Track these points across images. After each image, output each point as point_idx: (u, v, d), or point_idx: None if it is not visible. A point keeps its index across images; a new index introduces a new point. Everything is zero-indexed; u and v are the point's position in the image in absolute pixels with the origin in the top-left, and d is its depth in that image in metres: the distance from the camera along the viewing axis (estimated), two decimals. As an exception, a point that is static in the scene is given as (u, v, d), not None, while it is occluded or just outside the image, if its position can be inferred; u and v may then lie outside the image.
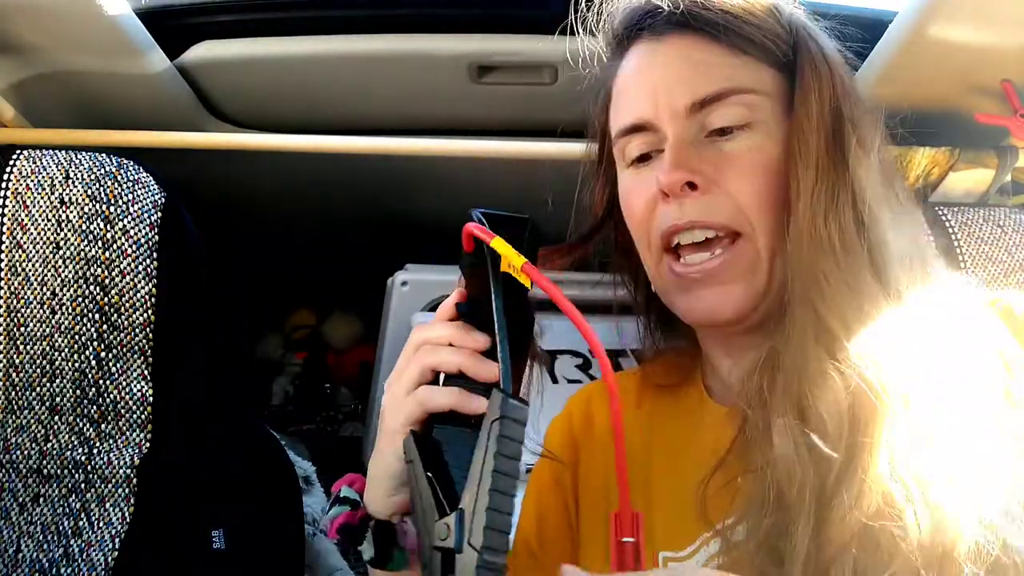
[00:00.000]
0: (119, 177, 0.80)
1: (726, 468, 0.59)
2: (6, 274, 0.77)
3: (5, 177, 0.78)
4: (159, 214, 0.80)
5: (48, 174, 0.79)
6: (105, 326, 0.78)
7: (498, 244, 0.53)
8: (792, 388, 0.55)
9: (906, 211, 0.64)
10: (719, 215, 0.62)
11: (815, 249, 0.58)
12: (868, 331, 0.55)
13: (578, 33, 0.74)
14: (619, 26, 0.69)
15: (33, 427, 0.78)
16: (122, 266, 0.78)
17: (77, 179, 0.79)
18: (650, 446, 0.71)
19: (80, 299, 0.77)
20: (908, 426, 0.51)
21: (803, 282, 0.58)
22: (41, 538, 0.76)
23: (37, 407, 0.78)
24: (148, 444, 0.79)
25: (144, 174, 0.81)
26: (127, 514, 0.78)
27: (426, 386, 0.56)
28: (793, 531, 0.51)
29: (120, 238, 0.78)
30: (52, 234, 0.77)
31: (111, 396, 0.78)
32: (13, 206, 0.78)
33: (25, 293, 0.77)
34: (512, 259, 0.53)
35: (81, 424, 0.78)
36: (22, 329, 0.77)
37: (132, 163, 0.81)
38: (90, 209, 0.78)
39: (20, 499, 0.77)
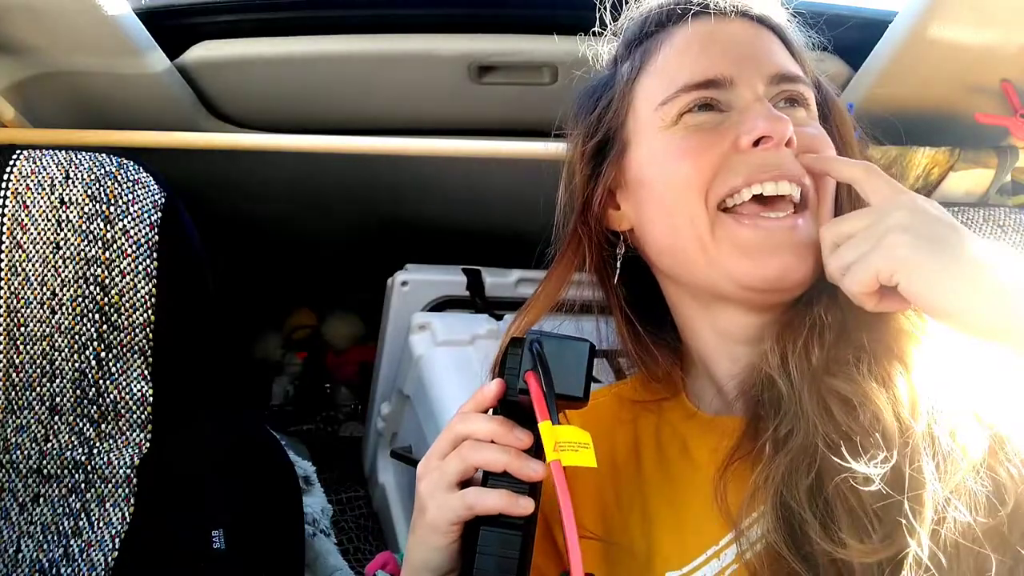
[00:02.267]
0: (119, 177, 0.80)
1: (735, 472, 0.58)
2: (6, 274, 0.77)
3: (5, 177, 0.78)
4: (159, 214, 0.80)
5: (48, 174, 0.79)
6: (105, 326, 0.78)
7: (545, 429, 0.53)
8: (843, 356, 0.55)
9: None
10: (804, 174, 0.61)
11: None
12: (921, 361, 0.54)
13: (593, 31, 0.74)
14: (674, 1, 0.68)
15: (33, 427, 0.78)
16: (122, 266, 0.78)
17: (77, 179, 0.79)
18: (640, 463, 0.69)
19: (80, 299, 0.77)
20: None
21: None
22: (41, 538, 0.76)
23: (37, 407, 0.78)
24: (148, 444, 0.79)
25: (144, 174, 0.81)
26: (127, 514, 0.78)
27: (476, 489, 0.56)
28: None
29: (120, 238, 0.78)
30: (52, 234, 0.77)
31: (111, 396, 0.78)
32: (13, 206, 0.78)
33: (25, 293, 0.77)
34: (547, 451, 0.52)
35: (81, 424, 0.78)
36: (22, 329, 0.77)
37: (132, 163, 0.81)
38: (90, 209, 0.78)
39: (20, 499, 0.77)
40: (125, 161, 0.82)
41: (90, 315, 0.77)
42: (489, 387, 0.58)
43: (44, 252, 0.77)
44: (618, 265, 0.70)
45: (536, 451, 0.55)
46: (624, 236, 0.70)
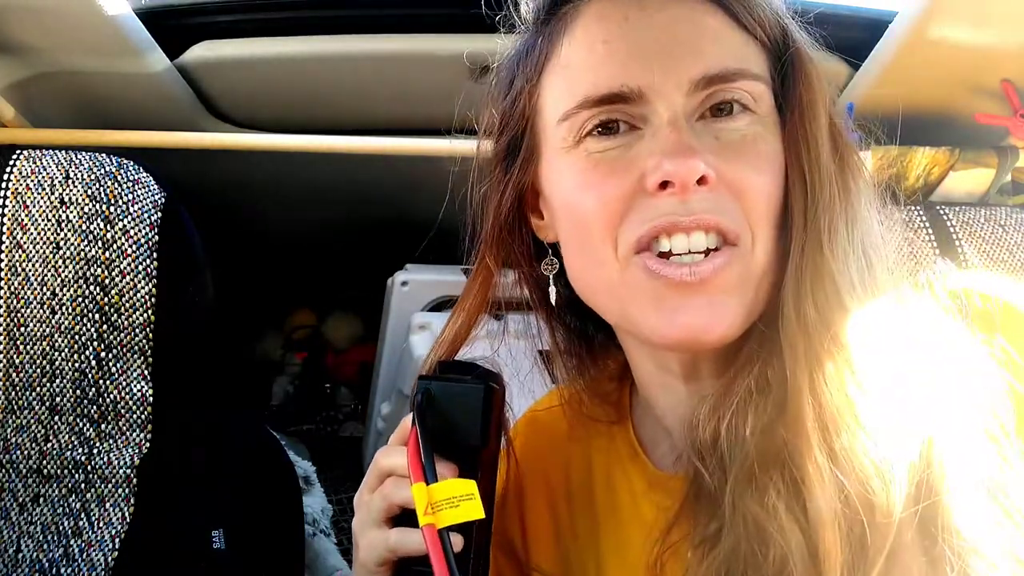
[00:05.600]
0: (119, 177, 0.80)
1: (668, 543, 0.53)
2: (6, 274, 0.77)
3: (5, 177, 0.78)
4: (159, 214, 0.80)
5: (48, 174, 0.79)
6: (105, 326, 0.78)
7: (417, 491, 0.50)
8: (772, 457, 0.47)
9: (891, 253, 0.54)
10: (727, 217, 0.51)
11: (831, 278, 0.50)
12: (879, 411, 0.46)
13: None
14: None
15: (33, 427, 0.78)
16: (122, 266, 0.78)
17: (77, 179, 0.79)
18: (593, 494, 0.64)
19: (80, 299, 0.77)
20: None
21: (808, 319, 0.49)
22: (41, 538, 0.76)
23: (37, 407, 0.78)
24: (148, 444, 0.79)
25: (144, 174, 0.81)
26: (127, 514, 0.78)
27: (400, 530, 0.53)
28: None
29: (120, 238, 0.78)
30: (52, 234, 0.77)
31: (111, 396, 0.78)
32: (13, 206, 0.78)
33: (25, 293, 0.77)
34: (419, 515, 0.50)
35: (81, 424, 0.78)
36: (22, 329, 0.77)
37: (132, 163, 0.81)
38: (90, 209, 0.78)
39: (20, 499, 0.77)
40: (125, 161, 0.82)
41: (90, 315, 0.77)
42: (407, 421, 0.56)
43: (44, 252, 0.77)
44: (550, 286, 0.63)
45: (470, 455, 0.53)
46: (551, 248, 0.62)
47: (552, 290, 0.63)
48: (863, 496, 0.44)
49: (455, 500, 0.50)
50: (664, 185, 0.50)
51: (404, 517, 0.54)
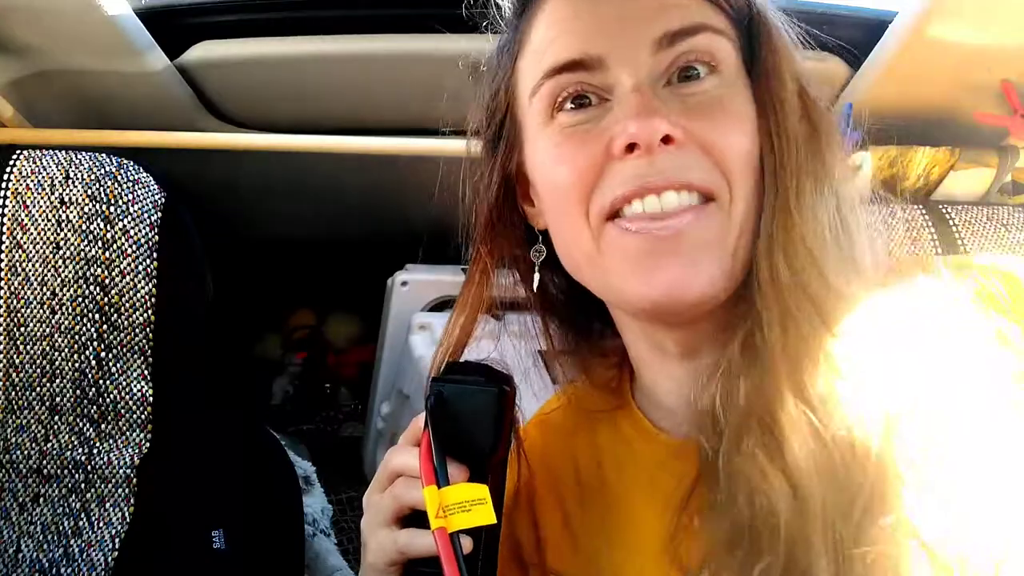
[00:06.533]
0: (119, 177, 0.80)
1: (689, 510, 0.52)
2: (6, 274, 0.77)
3: (5, 177, 0.78)
4: (159, 214, 0.80)
5: (48, 174, 0.79)
6: (105, 326, 0.77)
7: (429, 494, 0.50)
8: (755, 414, 0.47)
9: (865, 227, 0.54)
10: (698, 173, 0.51)
11: (801, 239, 0.50)
12: (854, 360, 0.46)
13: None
14: None
15: (33, 427, 0.78)
16: (122, 266, 0.78)
17: (77, 179, 0.79)
18: (602, 479, 0.63)
19: (80, 299, 0.77)
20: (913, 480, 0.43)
21: (781, 279, 0.49)
22: (41, 538, 0.76)
23: (37, 407, 0.78)
24: (148, 444, 0.79)
25: (144, 174, 0.81)
26: (127, 514, 0.78)
27: (410, 531, 0.53)
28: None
29: (120, 238, 0.78)
30: (52, 234, 0.77)
31: (111, 396, 0.78)
32: (13, 206, 0.78)
33: (25, 293, 0.77)
34: (431, 518, 0.50)
35: (81, 424, 0.78)
36: (22, 329, 0.77)
37: (132, 163, 0.81)
38: (90, 209, 0.78)
39: (20, 499, 0.77)
40: (125, 161, 0.82)
41: (90, 315, 0.77)
42: (419, 421, 0.55)
43: (44, 252, 0.77)
44: (536, 271, 0.63)
45: (482, 458, 0.53)
46: (542, 235, 0.63)
47: (536, 276, 0.63)
48: (842, 439, 0.44)
49: (467, 504, 0.50)
50: (631, 148, 0.50)
51: (414, 518, 0.54)
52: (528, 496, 0.68)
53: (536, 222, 0.63)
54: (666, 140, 0.50)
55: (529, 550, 0.68)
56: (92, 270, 0.77)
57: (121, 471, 0.78)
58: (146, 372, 0.79)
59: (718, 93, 0.52)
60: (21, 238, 0.77)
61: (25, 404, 0.78)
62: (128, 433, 0.79)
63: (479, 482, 0.52)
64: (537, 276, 0.63)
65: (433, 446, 0.51)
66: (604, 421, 0.65)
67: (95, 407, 0.78)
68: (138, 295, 0.78)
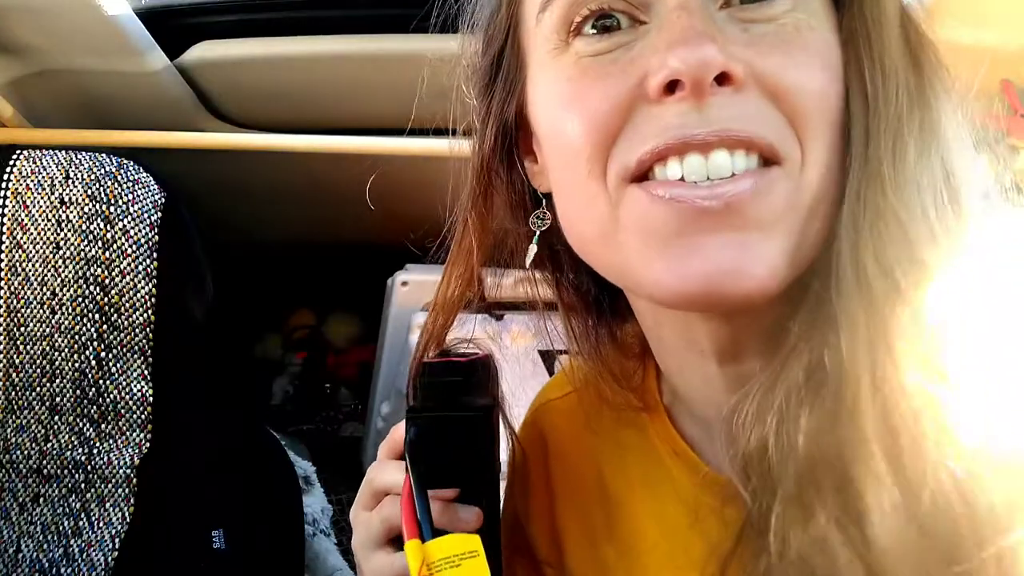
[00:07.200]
0: (119, 177, 0.80)
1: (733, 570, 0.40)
2: (6, 274, 0.77)
3: (5, 177, 0.78)
4: (159, 214, 0.80)
5: (48, 174, 0.79)
6: (105, 326, 0.78)
7: (411, 550, 0.43)
8: (822, 467, 0.35)
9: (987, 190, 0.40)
10: (762, 126, 0.37)
11: (896, 220, 0.36)
12: (966, 407, 0.33)
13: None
14: None
15: (33, 427, 0.78)
16: (122, 266, 0.78)
17: (77, 179, 0.79)
18: (631, 496, 0.52)
19: (80, 299, 0.77)
20: None
21: (869, 277, 0.36)
22: (41, 538, 0.76)
23: (37, 407, 0.78)
24: (148, 444, 0.79)
25: (144, 174, 0.81)
26: (127, 514, 0.78)
27: (404, 555, 0.45)
28: None
29: (120, 238, 0.78)
30: (52, 234, 0.77)
31: (111, 396, 0.78)
32: (13, 206, 0.78)
33: (25, 293, 0.77)
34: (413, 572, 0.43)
35: (81, 424, 0.78)
36: (22, 329, 0.77)
37: (132, 163, 0.81)
38: (90, 209, 0.78)
39: (20, 499, 0.77)
40: (125, 161, 0.82)
41: (90, 315, 0.77)
42: (399, 431, 0.49)
43: (44, 252, 0.77)
44: (534, 241, 0.50)
45: (473, 487, 0.48)
46: (546, 198, 0.50)
47: (532, 248, 0.51)
48: (941, 523, 0.33)
49: (455, 559, 0.43)
50: (671, 88, 0.37)
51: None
52: (546, 496, 0.59)
53: (539, 182, 0.50)
54: (721, 79, 0.37)
55: (541, 549, 0.59)
56: (92, 270, 0.77)
57: (121, 471, 0.78)
58: (146, 372, 0.79)
59: (792, 19, 0.39)
60: (21, 238, 0.77)
61: (25, 404, 0.78)
62: (128, 433, 0.79)
63: (470, 502, 0.48)
64: (534, 248, 0.50)
65: (415, 493, 0.45)
66: (629, 423, 0.53)
67: (95, 407, 0.78)
68: (138, 295, 0.78)
